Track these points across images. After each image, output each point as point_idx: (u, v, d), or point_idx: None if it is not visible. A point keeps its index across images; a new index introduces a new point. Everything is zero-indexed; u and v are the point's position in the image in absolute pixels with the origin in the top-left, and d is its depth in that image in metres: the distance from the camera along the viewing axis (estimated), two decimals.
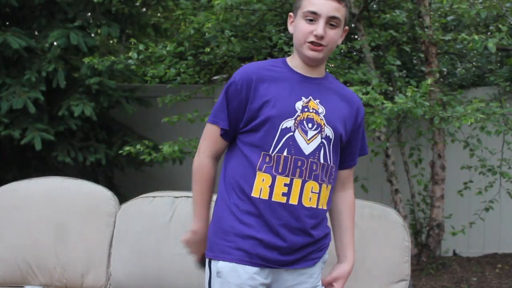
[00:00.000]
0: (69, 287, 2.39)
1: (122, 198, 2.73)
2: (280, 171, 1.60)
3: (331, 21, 1.63)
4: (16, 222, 2.43)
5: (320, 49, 1.63)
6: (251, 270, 1.62)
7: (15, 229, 2.42)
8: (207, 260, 1.69)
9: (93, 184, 2.54)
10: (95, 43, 4.51)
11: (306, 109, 1.64)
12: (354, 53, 4.36)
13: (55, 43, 4.15)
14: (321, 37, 1.62)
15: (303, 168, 1.61)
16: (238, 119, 1.65)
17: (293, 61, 1.71)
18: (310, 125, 1.63)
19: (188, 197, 2.37)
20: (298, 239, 1.64)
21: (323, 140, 1.64)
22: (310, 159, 1.62)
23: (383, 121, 3.41)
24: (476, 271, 4.49)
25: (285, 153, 1.60)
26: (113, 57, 4.07)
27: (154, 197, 2.42)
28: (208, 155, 1.71)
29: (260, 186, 1.60)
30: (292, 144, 1.61)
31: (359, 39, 4.41)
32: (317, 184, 1.64)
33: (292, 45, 4.27)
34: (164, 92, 4.48)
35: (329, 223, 1.79)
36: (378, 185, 4.94)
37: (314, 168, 1.63)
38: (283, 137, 1.61)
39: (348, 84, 4.04)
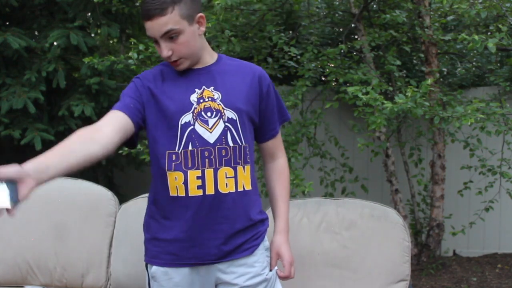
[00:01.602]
0: (69, 287, 2.39)
1: (122, 198, 2.72)
2: (189, 166, 1.61)
3: (169, 35, 1.59)
4: (16, 222, 2.43)
5: (178, 63, 1.64)
6: (182, 271, 1.65)
7: (15, 229, 2.42)
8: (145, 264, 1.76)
9: (93, 184, 2.54)
10: (95, 43, 4.51)
11: (202, 100, 1.64)
12: (354, 53, 4.36)
13: (55, 43, 4.15)
14: (169, 56, 1.62)
15: (211, 157, 1.61)
16: (140, 110, 1.64)
17: None
18: (209, 113, 1.64)
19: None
20: (225, 227, 1.64)
21: (226, 124, 1.64)
22: (217, 146, 1.62)
23: (383, 121, 3.41)
24: (476, 271, 4.49)
25: (190, 147, 1.61)
26: (113, 57, 4.06)
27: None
28: (93, 125, 1.56)
29: (175, 185, 1.61)
30: (194, 137, 1.62)
31: (359, 39, 4.41)
32: (230, 168, 1.64)
33: (292, 45, 4.30)
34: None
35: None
36: (378, 185, 4.94)
37: (224, 153, 1.63)
38: (185, 133, 1.62)
39: (348, 84, 4.04)
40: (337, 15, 4.96)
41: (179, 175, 1.61)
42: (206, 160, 1.61)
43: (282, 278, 1.77)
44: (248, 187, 1.68)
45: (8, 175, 1.27)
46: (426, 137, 4.52)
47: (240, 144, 1.66)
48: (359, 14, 4.32)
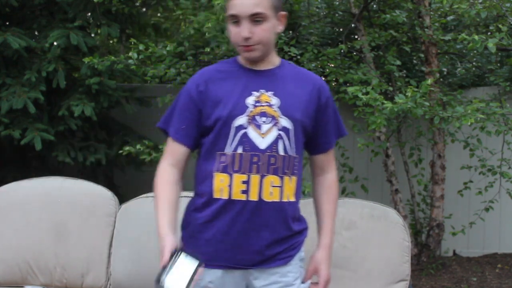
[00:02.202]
0: (69, 287, 2.39)
1: (122, 198, 2.72)
2: (236, 169, 1.59)
3: (255, 18, 1.58)
4: (16, 222, 2.43)
5: (252, 49, 1.61)
6: (215, 273, 1.63)
7: (15, 229, 2.42)
8: None
9: (93, 184, 2.54)
10: (95, 43, 4.51)
11: (258, 104, 1.62)
12: (354, 53, 4.36)
13: (55, 43, 4.15)
14: (248, 38, 1.59)
15: (260, 164, 1.59)
16: (195, 124, 1.65)
17: (242, 58, 1.70)
18: (263, 119, 1.61)
19: (188, 197, 2.37)
20: (264, 235, 1.62)
21: (280, 132, 1.61)
22: (267, 153, 1.60)
23: (383, 121, 3.41)
24: (476, 271, 4.49)
25: (239, 151, 1.59)
26: (113, 57, 4.06)
27: (154, 197, 2.42)
28: (168, 163, 1.70)
29: (220, 187, 1.60)
30: (246, 140, 1.59)
31: (359, 39, 4.41)
32: (277, 177, 1.61)
33: (292, 45, 4.30)
34: (164, 92, 4.48)
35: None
36: (378, 185, 4.93)
37: (273, 161, 1.60)
38: (237, 135, 1.60)
39: (348, 84, 4.04)
40: (337, 15, 4.96)
41: (225, 177, 1.60)
42: (254, 165, 1.59)
43: None
44: (292, 199, 1.66)
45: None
46: (426, 137, 4.51)
47: (290, 154, 1.63)
48: (359, 14, 4.32)
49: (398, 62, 4.12)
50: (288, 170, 1.63)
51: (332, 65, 4.16)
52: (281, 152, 1.61)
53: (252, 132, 1.60)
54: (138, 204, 2.43)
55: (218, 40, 4.08)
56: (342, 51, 4.12)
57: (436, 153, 4.42)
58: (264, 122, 1.61)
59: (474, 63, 5.25)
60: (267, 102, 1.62)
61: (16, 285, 2.42)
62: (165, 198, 1.64)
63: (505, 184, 4.19)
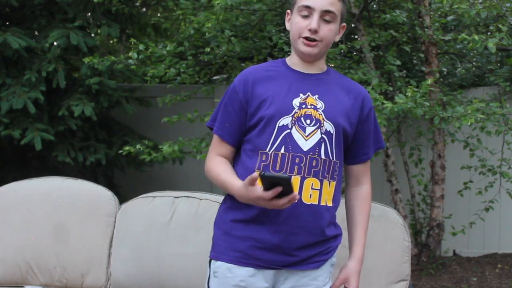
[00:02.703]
0: (69, 287, 2.39)
1: (122, 198, 2.73)
2: (277, 169, 1.59)
3: (326, 16, 1.61)
4: (16, 222, 2.43)
5: (314, 44, 1.62)
6: (246, 271, 1.62)
7: (15, 229, 2.42)
8: (208, 261, 1.70)
9: (93, 184, 2.54)
10: (95, 43, 4.51)
11: (304, 106, 1.62)
12: (354, 53, 4.36)
13: (55, 43, 4.15)
14: (315, 31, 1.60)
15: (302, 165, 1.59)
16: (240, 122, 1.66)
17: (291, 59, 1.71)
18: (308, 121, 1.61)
19: (188, 197, 2.38)
20: (299, 238, 1.62)
21: (323, 135, 1.62)
22: (309, 155, 1.60)
23: (383, 121, 3.41)
24: (476, 271, 4.49)
25: (282, 151, 1.59)
26: (113, 57, 4.06)
27: (154, 197, 2.42)
28: (215, 153, 1.71)
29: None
30: (289, 141, 1.60)
31: (359, 39, 4.41)
32: (317, 180, 1.61)
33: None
34: (164, 92, 4.48)
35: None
36: (378, 185, 4.93)
37: (314, 164, 1.61)
38: (280, 135, 1.60)
39: None
40: None
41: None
42: (296, 166, 1.59)
43: None
44: (330, 203, 1.66)
45: None
46: (426, 137, 4.51)
47: (331, 158, 1.64)
48: (359, 14, 4.31)
49: (398, 62, 4.12)
50: (328, 174, 1.63)
51: (332, 65, 4.15)
52: (323, 156, 1.62)
53: (296, 133, 1.60)
54: (138, 204, 2.43)
55: (218, 40, 4.08)
56: (342, 51, 4.12)
57: (436, 153, 4.42)
58: (308, 124, 1.62)
59: (474, 63, 5.25)
60: (312, 104, 1.63)
61: (16, 285, 2.42)
62: (226, 170, 1.65)
63: (505, 184, 4.19)
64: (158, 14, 6.65)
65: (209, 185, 4.73)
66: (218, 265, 1.65)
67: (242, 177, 1.61)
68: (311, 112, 1.62)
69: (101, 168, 4.68)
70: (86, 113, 4.04)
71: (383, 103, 3.34)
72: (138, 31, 5.31)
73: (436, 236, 4.42)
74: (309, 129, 1.61)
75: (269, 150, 1.60)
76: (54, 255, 2.38)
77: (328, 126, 1.63)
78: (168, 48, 4.02)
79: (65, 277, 2.38)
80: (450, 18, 4.71)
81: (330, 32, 1.63)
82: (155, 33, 5.68)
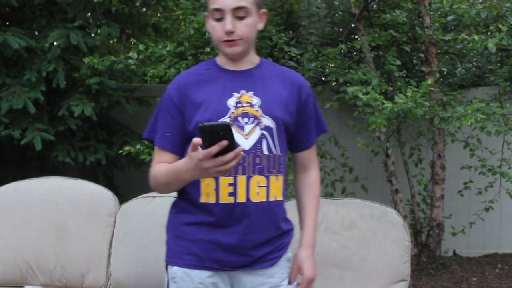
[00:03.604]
0: (69, 287, 2.39)
1: (122, 198, 2.73)
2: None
3: (238, 13, 1.58)
4: (16, 222, 2.43)
5: (235, 43, 1.60)
6: (204, 274, 1.61)
7: (15, 229, 2.42)
8: (164, 265, 1.69)
9: (93, 184, 2.54)
10: (95, 43, 4.51)
11: (239, 105, 1.60)
12: (354, 53, 4.36)
13: (55, 43, 4.15)
14: (231, 32, 1.58)
15: (245, 165, 1.57)
16: (180, 129, 1.62)
17: (221, 59, 1.68)
18: (246, 119, 1.59)
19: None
20: (253, 236, 1.61)
21: (263, 131, 1.60)
22: (251, 153, 1.58)
23: (383, 121, 3.41)
24: (476, 271, 4.49)
25: None
26: (113, 57, 4.06)
27: (154, 197, 2.42)
28: (157, 163, 1.66)
29: (207, 191, 1.58)
30: None
31: (359, 39, 4.41)
32: (263, 177, 1.60)
33: (292, 45, 4.29)
34: (164, 92, 4.47)
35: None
36: (378, 185, 4.93)
37: (258, 161, 1.59)
38: None
39: (348, 84, 4.04)
40: (337, 15, 4.96)
41: (211, 181, 1.57)
42: (240, 167, 1.56)
43: None
44: (280, 197, 1.65)
45: None
46: (426, 137, 4.51)
47: (275, 153, 1.62)
48: (359, 14, 4.32)
49: (398, 62, 4.12)
50: (273, 169, 1.62)
51: (332, 65, 4.16)
52: (266, 152, 1.60)
53: (235, 134, 1.54)
54: (138, 204, 2.43)
55: None
56: (342, 51, 4.12)
57: (436, 153, 4.42)
58: (246, 122, 1.59)
59: (474, 63, 5.25)
60: (248, 102, 1.61)
61: (16, 285, 2.42)
62: (170, 165, 1.59)
63: (505, 184, 4.19)
64: (158, 14, 6.65)
65: None
66: (175, 270, 1.64)
67: (188, 185, 1.60)
68: (247, 110, 1.60)
69: (101, 168, 4.68)
70: (86, 113, 4.04)
71: (383, 103, 3.34)
72: (138, 31, 5.31)
73: (436, 236, 4.42)
74: (247, 128, 1.59)
75: None
76: (54, 255, 2.38)
77: (267, 121, 1.61)
78: (168, 48, 4.02)
79: (65, 277, 2.38)
80: (450, 18, 4.71)
81: (248, 27, 1.60)
82: (155, 33, 5.68)
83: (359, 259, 2.25)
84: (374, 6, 4.74)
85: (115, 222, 2.42)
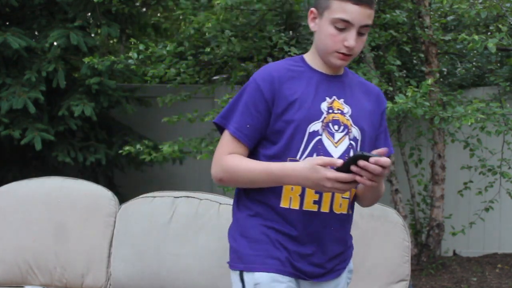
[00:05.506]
0: (69, 287, 2.39)
1: (122, 198, 2.73)
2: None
3: (362, 30, 1.50)
4: (16, 222, 2.43)
5: (348, 59, 1.53)
6: (286, 279, 1.52)
7: (15, 229, 2.42)
8: (236, 274, 1.56)
9: (93, 184, 2.54)
10: (95, 43, 4.52)
11: (331, 110, 1.53)
12: None
13: (55, 43, 4.15)
14: (351, 48, 1.51)
15: None
16: (262, 125, 1.52)
17: (314, 60, 1.59)
18: (336, 127, 1.52)
19: (188, 197, 2.37)
20: (330, 248, 1.56)
21: (351, 141, 1.54)
22: None
23: None
24: (476, 271, 4.49)
25: None
26: (113, 57, 4.07)
27: (154, 197, 2.42)
28: (228, 154, 1.54)
29: (289, 196, 1.50)
30: (320, 148, 1.50)
31: None
32: None
33: (292, 45, 4.29)
34: (164, 92, 4.48)
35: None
36: None
37: None
38: (311, 141, 1.50)
39: None
40: None
41: (296, 186, 1.49)
42: None
43: None
44: (351, 211, 1.61)
45: None
46: (426, 137, 4.51)
47: None
48: None
49: (398, 62, 4.12)
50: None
51: None
52: None
53: (326, 140, 1.51)
54: (138, 204, 2.43)
55: (218, 40, 4.08)
56: None
57: (436, 153, 4.42)
58: (337, 130, 1.52)
59: (474, 63, 5.25)
60: (339, 109, 1.54)
61: (16, 285, 2.42)
62: (254, 160, 1.51)
63: (505, 184, 4.19)
64: (158, 14, 6.65)
65: (209, 185, 4.75)
66: (258, 276, 1.51)
67: (268, 188, 1.52)
68: (338, 117, 1.53)
69: (101, 168, 4.68)
70: (86, 113, 4.05)
71: None
72: (138, 31, 5.32)
73: (436, 236, 4.42)
74: (337, 135, 1.52)
75: (299, 157, 1.50)
76: (54, 255, 2.38)
77: (355, 132, 1.54)
78: (168, 48, 4.02)
79: (65, 277, 2.38)
80: (450, 18, 4.71)
81: (363, 44, 1.54)
82: (155, 33, 5.69)
83: (359, 259, 2.24)
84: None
85: (115, 222, 2.42)
